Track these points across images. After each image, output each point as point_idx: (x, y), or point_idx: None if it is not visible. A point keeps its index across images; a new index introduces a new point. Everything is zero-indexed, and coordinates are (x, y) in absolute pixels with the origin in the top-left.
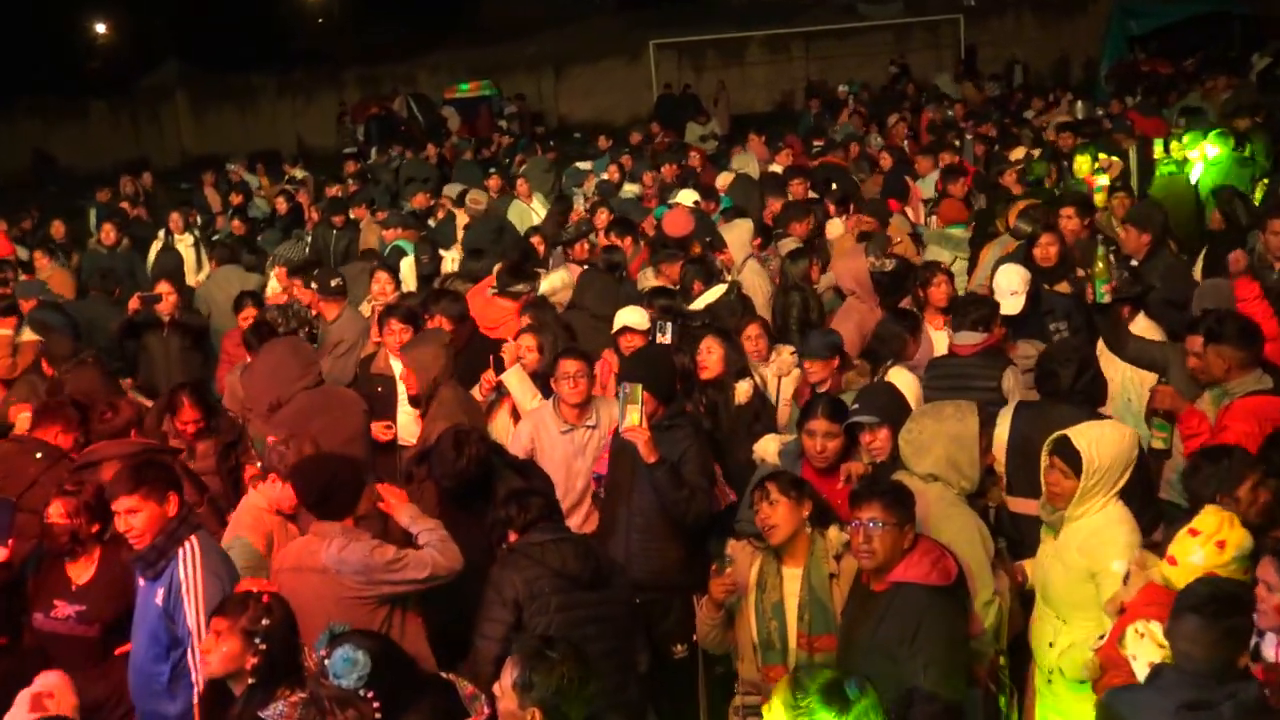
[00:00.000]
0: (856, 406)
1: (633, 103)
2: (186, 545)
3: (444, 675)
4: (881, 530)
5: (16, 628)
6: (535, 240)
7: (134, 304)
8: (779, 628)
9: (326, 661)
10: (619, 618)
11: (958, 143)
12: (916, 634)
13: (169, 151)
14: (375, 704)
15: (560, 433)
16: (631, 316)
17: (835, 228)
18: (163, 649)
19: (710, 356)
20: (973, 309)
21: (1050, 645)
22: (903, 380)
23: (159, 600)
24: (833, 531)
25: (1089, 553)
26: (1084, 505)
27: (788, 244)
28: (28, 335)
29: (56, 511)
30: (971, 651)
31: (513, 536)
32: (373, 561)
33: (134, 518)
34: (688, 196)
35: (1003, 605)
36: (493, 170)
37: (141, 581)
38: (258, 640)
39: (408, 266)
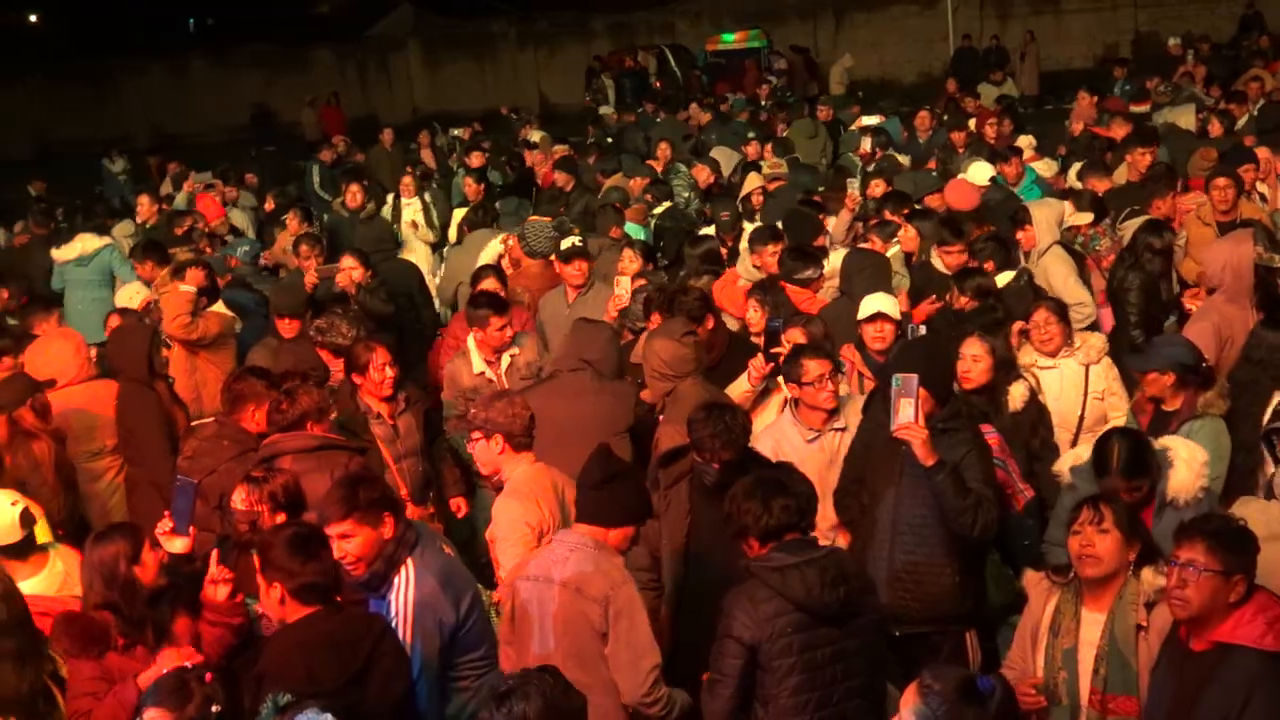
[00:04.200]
0: None
1: (925, 56)
2: (402, 571)
3: None
4: (1200, 576)
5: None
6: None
7: (310, 279)
8: (1069, 680)
9: None
10: (869, 650)
11: None
12: (1244, 710)
13: (399, 107)
14: None
15: (806, 442)
16: (884, 303)
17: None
18: None
19: (977, 365)
20: None
21: None
22: None
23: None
24: (1147, 574)
25: None
26: None
27: (1131, 226)
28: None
29: (240, 498)
30: None
31: (753, 546)
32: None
33: (348, 543)
34: (982, 172)
35: None
36: (752, 135)
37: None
38: None
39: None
